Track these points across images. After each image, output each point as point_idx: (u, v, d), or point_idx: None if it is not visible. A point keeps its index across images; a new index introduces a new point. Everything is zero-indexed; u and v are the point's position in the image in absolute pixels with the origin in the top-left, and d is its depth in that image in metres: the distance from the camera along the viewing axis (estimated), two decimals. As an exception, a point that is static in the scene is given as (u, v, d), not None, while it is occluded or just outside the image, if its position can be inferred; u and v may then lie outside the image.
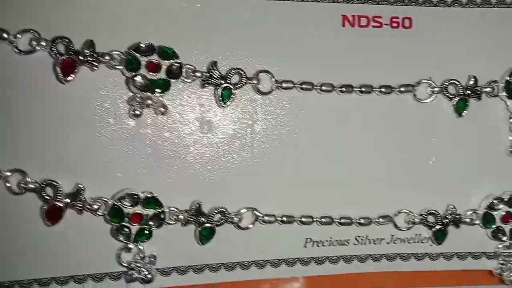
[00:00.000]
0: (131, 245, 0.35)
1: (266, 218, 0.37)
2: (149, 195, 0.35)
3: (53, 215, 0.34)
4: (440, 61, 0.38)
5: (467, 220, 0.39)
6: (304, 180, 0.38)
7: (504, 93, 0.38)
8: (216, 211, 0.36)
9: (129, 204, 0.34)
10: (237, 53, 0.36)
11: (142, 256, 0.36)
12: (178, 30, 0.36)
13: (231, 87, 0.35)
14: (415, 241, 0.40)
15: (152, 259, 0.36)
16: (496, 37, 0.39)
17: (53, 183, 0.34)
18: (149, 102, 0.34)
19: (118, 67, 0.34)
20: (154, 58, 0.34)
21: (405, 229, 0.38)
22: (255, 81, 0.36)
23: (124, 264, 0.36)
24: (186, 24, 0.36)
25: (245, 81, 0.36)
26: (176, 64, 0.34)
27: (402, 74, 0.38)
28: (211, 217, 0.36)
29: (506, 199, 0.38)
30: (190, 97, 0.36)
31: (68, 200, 0.34)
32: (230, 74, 0.35)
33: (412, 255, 0.40)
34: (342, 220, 0.38)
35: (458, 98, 0.38)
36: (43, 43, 0.34)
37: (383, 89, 0.37)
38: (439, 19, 0.38)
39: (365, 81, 0.38)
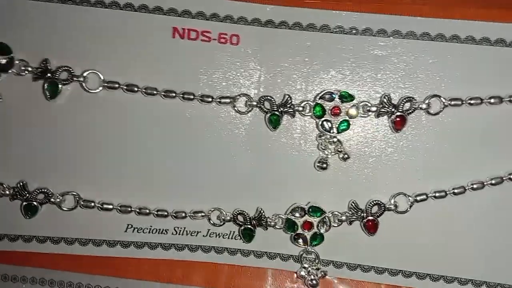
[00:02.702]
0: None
1: (85, 203, 0.41)
2: (-25, 170, 0.40)
3: None
4: (264, 77, 0.40)
5: (272, 223, 0.42)
6: (133, 173, 0.41)
7: (313, 113, 0.40)
8: (39, 191, 0.40)
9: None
10: (75, 57, 0.40)
11: (-27, 222, 0.41)
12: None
13: (57, 81, 0.38)
14: (229, 237, 0.43)
15: (-17, 226, 0.41)
16: (316, 60, 0.40)
17: None
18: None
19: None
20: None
21: (218, 225, 0.41)
22: (81, 79, 0.39)
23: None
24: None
25: (72, 78, 0.39)
26: (6, 59, 0.38)
27: (225, 87, 0.41)
28: (34, 195, 0.40)
29: (306, 209, 0.41)
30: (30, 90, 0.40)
31: None
32: (59, 70, 0.39)
33: (225, 250, 0.43)
34: (159, 212, 0.41)
35: (272, 113, 0.40)
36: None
37: (204, 98, 0.40)
38: (266, 39, 0.40)
39: (188, 88, 0.41)
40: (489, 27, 0.39)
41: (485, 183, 0.39)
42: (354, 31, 0.40)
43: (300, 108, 0.40)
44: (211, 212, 0.42)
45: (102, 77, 0.39)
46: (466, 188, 0.39)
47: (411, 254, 0.41)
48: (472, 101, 0.38)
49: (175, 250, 0.43)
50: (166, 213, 0.41)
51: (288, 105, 0.40)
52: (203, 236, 0.43)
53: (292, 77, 0.41)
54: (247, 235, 0.42)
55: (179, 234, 0.42)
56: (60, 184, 0.41)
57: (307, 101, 0.40)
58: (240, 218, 0.41)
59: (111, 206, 0.41)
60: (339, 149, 0.40)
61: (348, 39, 0.40)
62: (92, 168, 0.41)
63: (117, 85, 0.40)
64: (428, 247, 0.41)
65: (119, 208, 0.41)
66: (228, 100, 0.40)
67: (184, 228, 0.42)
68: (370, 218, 0.40)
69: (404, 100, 0.39)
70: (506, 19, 0.39)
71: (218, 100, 0.40)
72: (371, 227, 0.41)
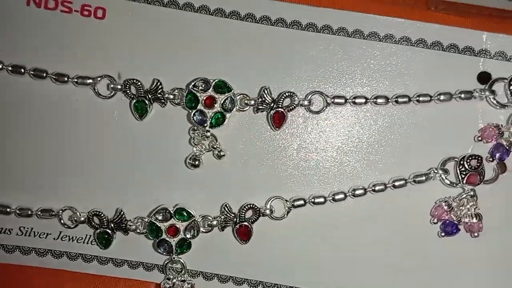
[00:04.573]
0: None
1: None
2: None
3: None
4: (132, 58, 0.35)
5: (133, 227, 0.36)
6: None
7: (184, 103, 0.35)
8: None
9: None
10: None
11: None
12: None
13: None
14: (85, 241, 0.38)
15: None
16: (194, 44, 0.35)
17: None
18: None
19: None
20: None
21: (68, 226, 0.36)
22: None
23: None
24: None
25: None
26: None
27: (86, 66, 0.35)
28: None
29: (172, 212, 0.35)
30: None
31: None
32: None
33: (80, 256, 0.37)
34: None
35: (137, 100, 0.35)
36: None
37: (59, 77, 0.34)
38: (136, 15, 0.35)
39: (42, 65, 0.34)
40: (379, 21, 0.36)
41: (367, 190, 0.36)
42: (235, 16, 0.36)
43: (171, 96, 0.36)
44: (63, 211, 0.36)
45: None
46: (347, 194, 0.36)
47: (289, 266, 0.37)
48: (356, 100, 0.35)
49: (20, 253, 0.36)
50: (8, 210, 0.35)
51: (158, 92, 0.36)
52: (54, 239, 0.37)
53: (165, 60, 0.36)
54: (103, 240, 0.36)
55: (25, 235, 0.36)
56: None
57: (180, 88, 0.35)
58: (96, 219, 0.36)
59: None
60: (214, 146, 0.36)
61: (232, 23, 0.36)
62: None
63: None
64: (307, 258, 0.37)
65: None
66: (87, 81, 0.35)
67: (32, 228, 0.36)
68: (243, 224, 0.36)
69: (284, 96, 0.35)
70: (389, 13, 0.36)
71: (75, 80, 0.35)
72: (243, 234, 0.36)
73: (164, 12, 0.35)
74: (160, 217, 0.35)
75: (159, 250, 0.36)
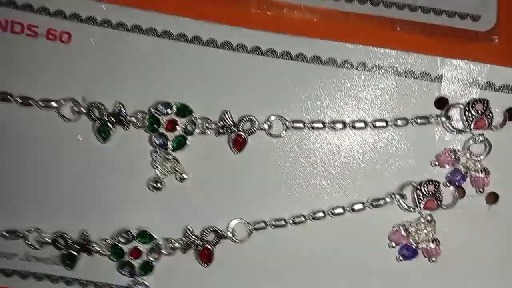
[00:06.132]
0: None
1: None
2: None
3: None
4: (97, 82, 0.36)
5: (98, 249, 0.37)
6: None
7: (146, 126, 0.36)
8: None
9: None
10: None
11: None
12: None
13: None
14: (51, 262, 0.38)
15: None
16: (157, 68, 0.36)
17: None
18: None
19: None
20: None
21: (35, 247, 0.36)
22: None
23: None
24: None
25: None
26: None
27: (52, 89, 0.35)
28: None
29: (135, 234, 0.36)
30: None
31: None
32: None
33: (46, 276, 0.37)
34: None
35: (101, 123, 0.35)
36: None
37: (25, 100, 0.35)
38: (101, 40, 0.36)
39: (8, 88, 0.35)
40: (335, 46, 0.36)
41: (326, 213, 0.36)
42: (197, 41, 0.36)
43: (134, 119, 0.36)
44: (29, 232, 0.37)
45: None
46: (307, 217, 0.36)
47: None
48: (314, 125, 0.35)
49: (-11, 274, 0.38)
50: (-29, 231, 0.36)
51: (121, 115, 0.36)
52: (20, 259, 0.38)
53: (129, 84, 0.36)
54: (67, 261, 0.37)
55: (-9, 256, 0.37)
56: None
57: (142, 112, 0.36)
58: (61, 241, 0.37)
59: None
60: (176, 168, 0.37)
61: (193, 48, 0.36)
62: None
63: None
64: (269, 280, 0.37)
65: None
66: (52, 105, 0.36)
67: (-5, 249, 0.38)
68: (205, 246, 0.37)
69: (244, 120, 0.36)
70: (354, 34, 0.37)
71: (40, 103, 0.36)
72: (205, 257, 0.36)
73: (128, 37, 0.36)
74: (122, 240, 0.36)
75: (122, 272, 0.37)
